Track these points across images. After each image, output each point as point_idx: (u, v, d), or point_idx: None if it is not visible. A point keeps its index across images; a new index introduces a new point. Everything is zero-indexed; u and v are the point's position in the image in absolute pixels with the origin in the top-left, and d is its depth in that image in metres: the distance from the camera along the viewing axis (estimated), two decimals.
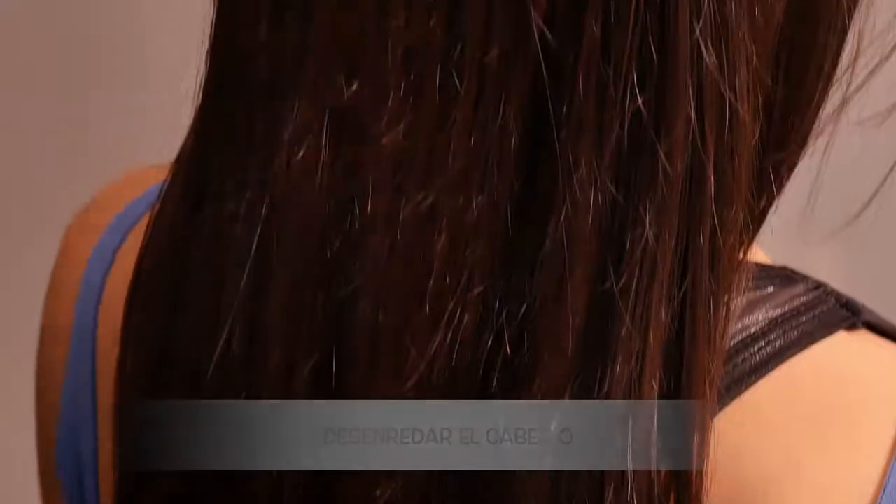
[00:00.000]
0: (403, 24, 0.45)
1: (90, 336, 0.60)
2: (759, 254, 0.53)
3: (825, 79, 0.49)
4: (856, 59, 0.49)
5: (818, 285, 0.54)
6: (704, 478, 0.47)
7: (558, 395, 0.46)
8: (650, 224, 0.45)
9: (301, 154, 0.47)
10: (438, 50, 0.45)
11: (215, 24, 0.49)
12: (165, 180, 0.52)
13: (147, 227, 0.53)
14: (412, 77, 0.45)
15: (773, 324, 0.52)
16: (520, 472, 0.46)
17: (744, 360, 0.51)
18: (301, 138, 0.47)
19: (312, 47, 0.46)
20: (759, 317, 0.52)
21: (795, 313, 0.52)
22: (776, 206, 0.50)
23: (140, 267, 0.53)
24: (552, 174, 0.45)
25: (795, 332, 0.52)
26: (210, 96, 0.50)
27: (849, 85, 0.50)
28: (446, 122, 0.45)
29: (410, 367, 0.46)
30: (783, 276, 0.53)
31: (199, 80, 0.50)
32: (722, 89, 0.44)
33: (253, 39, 0.48)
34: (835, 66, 0.49)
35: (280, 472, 0.48)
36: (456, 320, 0.46)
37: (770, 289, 0.53)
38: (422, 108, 0.45)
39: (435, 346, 0.46)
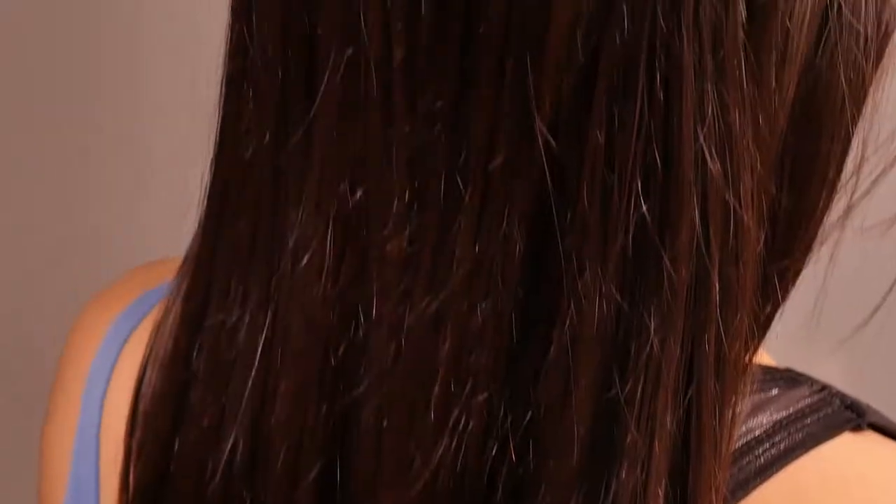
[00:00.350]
0: (408, 132, 0.45)
1: (94, 438, 0.60)
2: (763, 356, 0.53)
3: (829, 186, 0.49)
4: (860, 166, 0.49)
5: (823, 387, 0.53)
6: None
7: (564, 502, 0.46)
8: (655, 331, 0.45)
9: (305, 261, 0.47)
10: (443, 156, 0.45)
11: (220, 133, 0.49)
12: (169, 286, 0.52)
13: (150, 335, 0.52)
14: (416, 184, 0.45)
15: (777, 426, 0.51)
16: None
17: (748, 463, 0.50)
18: (305, 245, 0.47)
19: (316, 156, 0.46)
20: (764, 419, 0.51)
21: (800, 415, 0.52)
22: (781, 313, 0.49)
23: (142, 378, 0.52)
24: (556, 281, 0.45)
25: (800, 435, 0.51)
26: (215, 202, 0.50)
27: (853, 192, 0.50)
28: (451, 228, 0.45)
29: (415, 473, 0.46)
30: (787, 378, 0.53)
31: (203, 186, 0.50)
32: (726, 196, 0.44)
33: (257, 149, 0.48)
34: (839, 173, 0.49)
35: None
36: (461, 427, 0.46)
37: (775, 391, 0.52)
38: (426, 214, 0.45)
39: (440, 452, 0.46)
